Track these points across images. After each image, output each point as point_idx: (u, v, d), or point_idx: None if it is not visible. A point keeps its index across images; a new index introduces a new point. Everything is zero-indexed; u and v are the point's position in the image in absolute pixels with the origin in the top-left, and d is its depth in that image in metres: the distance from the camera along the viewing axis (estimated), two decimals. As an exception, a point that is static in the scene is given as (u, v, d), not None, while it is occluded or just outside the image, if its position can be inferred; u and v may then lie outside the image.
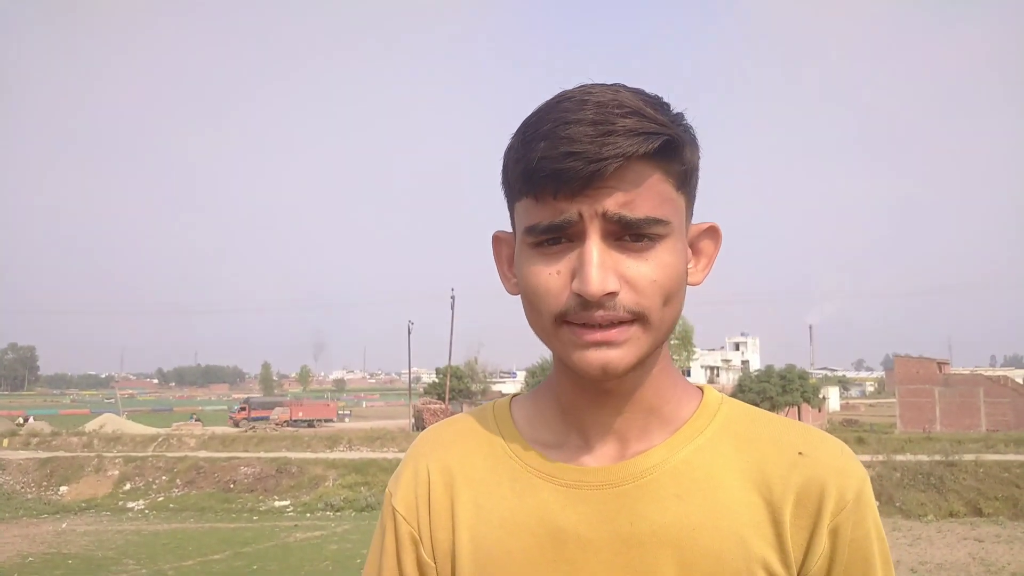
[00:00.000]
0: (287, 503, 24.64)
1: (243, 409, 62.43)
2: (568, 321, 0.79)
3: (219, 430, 40.92)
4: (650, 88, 0.82)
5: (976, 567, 15.78)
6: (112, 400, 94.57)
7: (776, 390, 44.53)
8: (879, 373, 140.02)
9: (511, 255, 0.88)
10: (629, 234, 0.77)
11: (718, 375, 72.71)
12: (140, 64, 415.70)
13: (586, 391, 0.86)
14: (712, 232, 0.89)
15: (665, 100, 0.81)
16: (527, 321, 0.85)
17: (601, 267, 0.75)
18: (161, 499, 26.05)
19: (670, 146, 0.76)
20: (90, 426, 42.83)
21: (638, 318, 0.78)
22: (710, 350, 76.19)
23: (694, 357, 54.34)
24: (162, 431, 38.26)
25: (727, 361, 76.96)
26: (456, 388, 50.20)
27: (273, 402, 69.23)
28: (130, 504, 25.72)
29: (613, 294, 0.76)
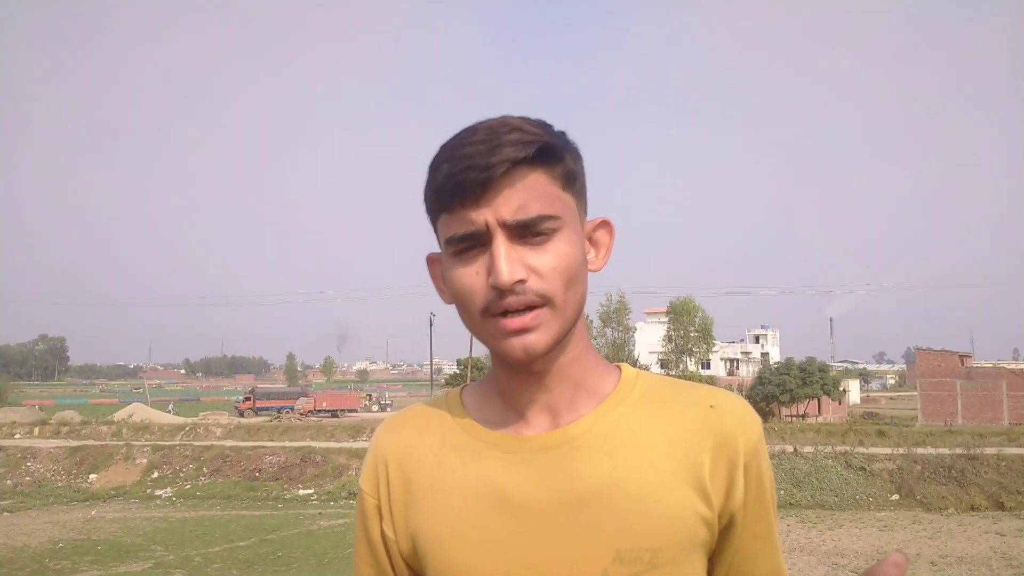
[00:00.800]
0: (311, 491, 24.92)
1: (248, 399, 62.53)
2: (491, 314, 0.93)
3: (244, 420, 41.35)
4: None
5: (998, 561, 15.68)
6: (140, 390, 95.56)
7: (796, 382, 44.23)
8: (900, 366, 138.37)
9: (442, 272, 1.02)
10: (529, 232, 0.91)
11: (738, 367, 72.29)
12: (170, 55, 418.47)
13: (518, 374, 1.00)
14: (605, 225, 1.04)
15: (550, 124, 0.98)
16: (462, 323, 0.99)
17: (508, 260, 0.90)
18: (188, 487, 26.40)
19: (548, 150, 0.93)
20: (119, 415, 43.46)
21: (546, 301, 0.92)
22: (730, 342, 75.61)
23: (714, 349, 54.08)
24: (189, 420, 38.77)
25: (747, 353, 76.39)
26: (477, 379, 50.27)
27: (279, 392, 69.34)
28: (158, 492, 26.08)
29: (522, 281, 0.91)
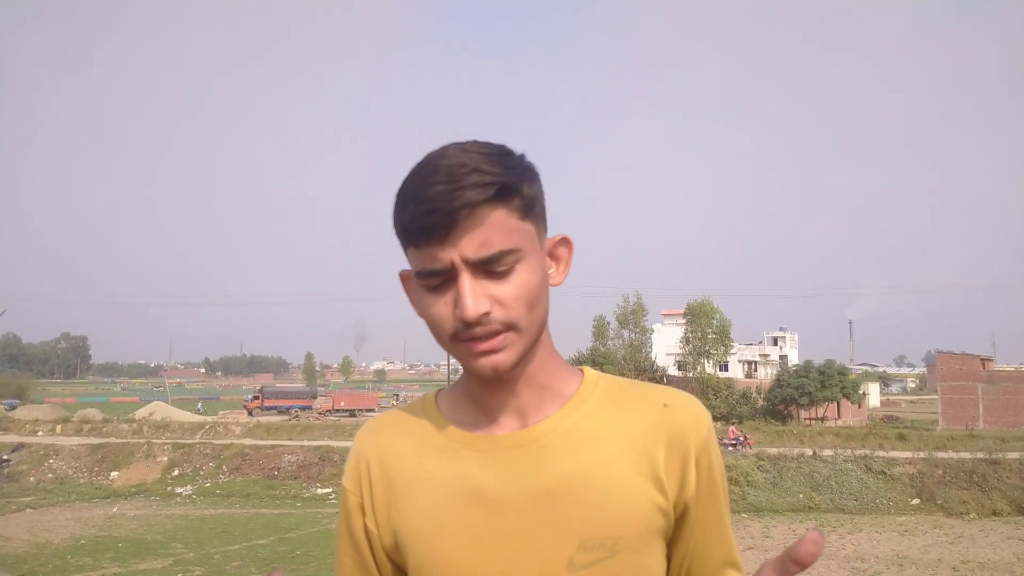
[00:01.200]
0: (329, 490, 25.03)
1: (256, 398, 62.76)
2: (461, 339, 1.00)
3: (263, 419, 41.62)
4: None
5: (1021, 567, 15.51)
6: (161, 388, 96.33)
7: (815, 385, 43.92)
8: (920, 369, 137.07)
9: (414, 295, 1.09)
10: (491, 266, 0.98)
11: (756, 370, 71.81)
12: (187, 51, 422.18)
13: (488, 382, 1.07)
14: (564, 242, 1.11)
15: (508, 149, 1.04)
16: (433, 338, 1.06)
17: (472, 295, 0.97)
18: (208, 485, 26.60)
19: (506, 189, 0.98)
20: (140, 413, 43.89)
21: (511, 327, 1.00)
22: (748, 345, 75.05)
23: (731, 352, 53.67)
24: (209, 419, 39.06)
25: (765, 356, 75.78)
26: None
27: (287, 391, 69.39)
28: (178, 489, 26.29)
29: (487, 313, 0.98)
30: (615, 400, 1.10)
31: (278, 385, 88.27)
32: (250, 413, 55.15)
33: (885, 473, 23.65)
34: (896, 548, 17.16)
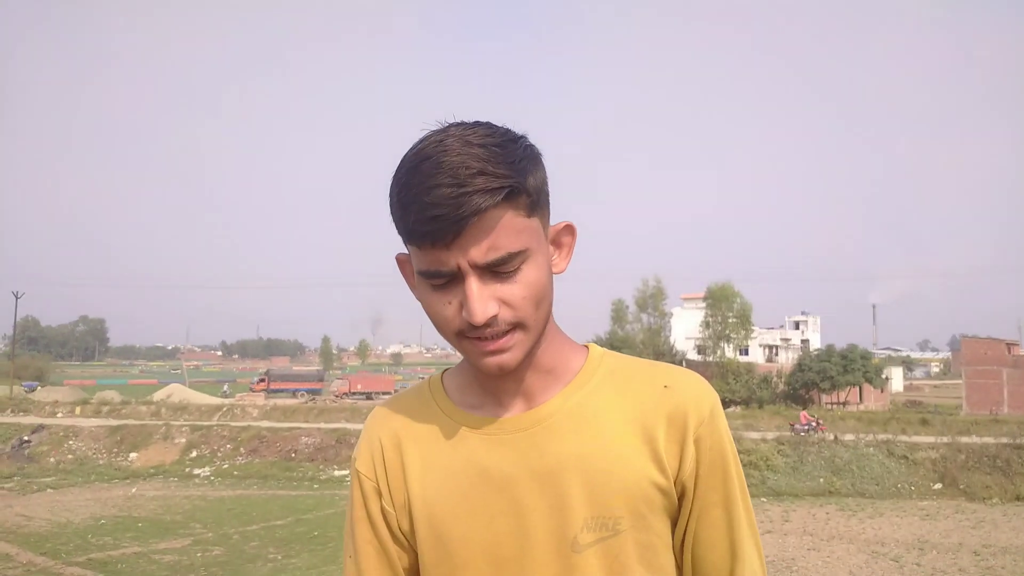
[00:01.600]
0: (346, 472, 25.08)
1: (262, 380, 63.30)
2: (466, 337, 1.01)
3: (280, 402, 41.84)
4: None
5: (1044, 552, 15.34)
6: (178, 371, 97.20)
7: (837, 370, 43.65)
8: (945, 354, 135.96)
9: (412, 271, 1.05)
10: (499, 267, 0.97)
11: (777, 354, 71.38)
12: (199, 29, 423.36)
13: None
14: (568, 229, 1.10)
15: (511, 136, 1.00)
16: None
17: (480, 299, 0.96)
18: (226, 466, 26.77)
19: (514, 191, 0.95)
20: (158, 395, 44.21)
21: (518, 326, 1.00)
22: (769, 329, 74.67)
23: (752, 336, 53.35)
24: (226, 402, 39.31)
25: (786, 340, 75.32)
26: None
27: (293, 374, 70.22)
28: (196, 471, 26.48)
29: (494, 316, 0.97)
30: (618, 379, 1.12)
31: (293, 369, 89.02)
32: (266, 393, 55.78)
33: (907, 458, 23.44)
34: (917, 532, 17.00)
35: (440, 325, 1.02)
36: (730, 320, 48.98)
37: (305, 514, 17.99)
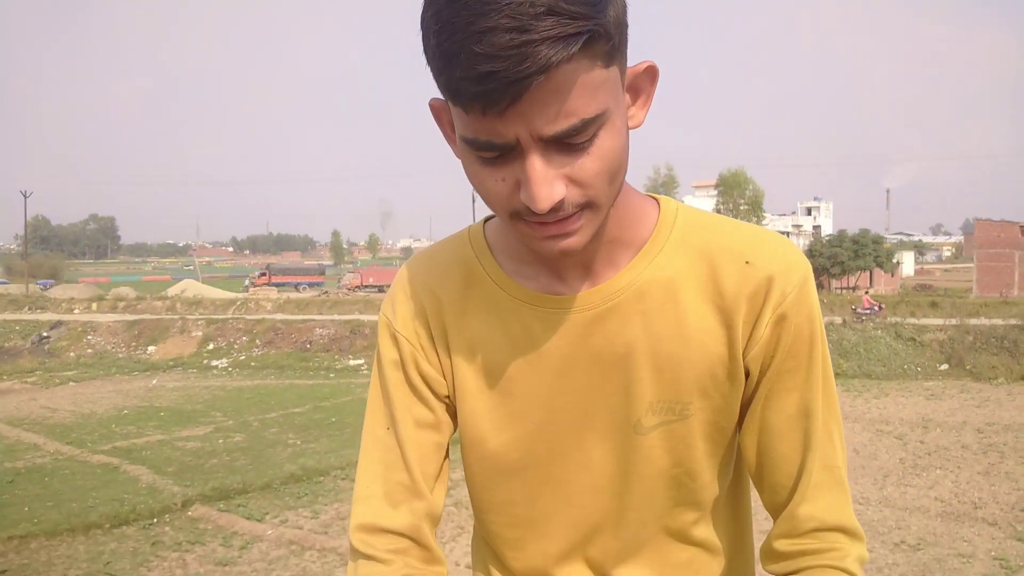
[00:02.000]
0: (361, 361, 25.54)
1: (263, 275, 64.04)
2: (523, 218, 0.82)
3: (294, 295, 42.24)
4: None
5: (1047, 429, 15.60)
6: (191, 267, 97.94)
7: (848, 255, 43.59)
8: (958, 238, 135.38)
9: (451, 120, 0.83)
10: (570, 140, 0.75)
11: (788, 240, 71.39)
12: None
13: None
14: (650, 72, 0.86)
15: None
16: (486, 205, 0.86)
17: (544, 183, 0.76)
18: (243, 358, 27.25)
19: (593, 36, 0.71)
20: (172, 291, 44.66)
21: (588, 206, 0.81)
22: (780, 215, 74.30)
23: (764, 222, 53.22)
24: (240, 296, 39.70)
25: (798, 226, 75.09)
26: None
27: (295, 268, 71.22)
28: (214, 362, 26.97)
29: (561, 200, 0.78)
30: (693, 248, 0.95)
31: (285, 263, 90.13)
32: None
33: (915, 340, 23.61)
34: (921, 411, 17.26)
35: (491, 203, 0.83)
36: (742, 207, 48.73)
37: (322, 401, 18.38)
